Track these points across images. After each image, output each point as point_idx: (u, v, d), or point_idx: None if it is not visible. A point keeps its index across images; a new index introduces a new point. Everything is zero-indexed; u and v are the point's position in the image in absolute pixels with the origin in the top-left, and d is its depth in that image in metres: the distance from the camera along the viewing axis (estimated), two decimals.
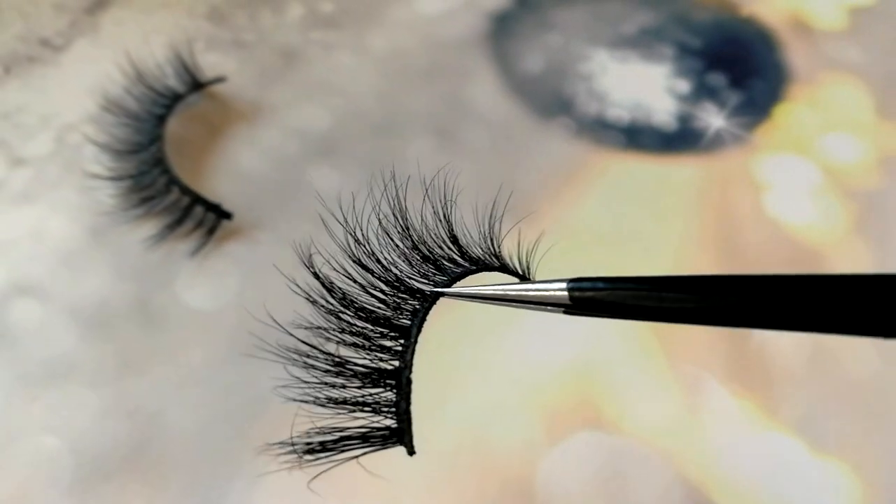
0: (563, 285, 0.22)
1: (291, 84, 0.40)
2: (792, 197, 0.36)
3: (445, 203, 0.24)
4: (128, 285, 0.32)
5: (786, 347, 0.31)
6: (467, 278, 0.24)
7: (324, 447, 0.23)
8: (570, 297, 0.21)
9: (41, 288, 0.32)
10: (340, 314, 0.23)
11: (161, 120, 0.36)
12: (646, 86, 0.40)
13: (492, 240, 0.24)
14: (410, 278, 0.24)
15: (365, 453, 0.22)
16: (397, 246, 0.24)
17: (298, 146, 0.37)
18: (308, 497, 0.27)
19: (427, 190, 0.23)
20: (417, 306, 0.24)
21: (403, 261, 0.24)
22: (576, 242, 0.35)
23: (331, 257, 0.23)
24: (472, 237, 0.24)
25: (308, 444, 0.23)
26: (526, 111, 0.39)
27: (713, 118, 0.39)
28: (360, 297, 0.23)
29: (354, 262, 0.24)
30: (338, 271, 0.23)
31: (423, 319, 0.24)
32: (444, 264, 0.24)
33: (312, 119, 0.38)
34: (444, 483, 0.28)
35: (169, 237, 0.34)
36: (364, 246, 0.24)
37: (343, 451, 0.23)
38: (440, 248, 0.24)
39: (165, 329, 0.31)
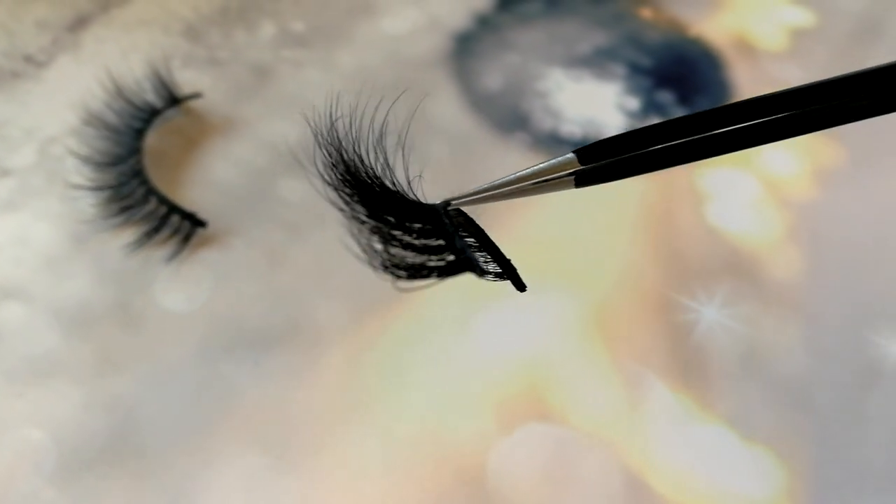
0: (571, 155, 0.21)
1: (264, 99, 0.41)
2: (732, 207, 0.38)
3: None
4: (108, 289, 0.34)
5: (722, 346, 0.33)
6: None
7: (405, 267, 0.22)
8: (579, 158, 0.20)
9: (25, 291, 0.34)
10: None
11: (140, 133, 0.37)
12: (598, 103, 0.42)
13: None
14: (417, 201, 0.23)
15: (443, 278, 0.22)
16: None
17: (269, 158, 0.39)
18: (273, 482, 0.29)
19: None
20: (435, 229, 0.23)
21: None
22: (530, 250, 0.36)
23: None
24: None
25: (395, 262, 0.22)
26: (485, 126, 0.41)
27: None
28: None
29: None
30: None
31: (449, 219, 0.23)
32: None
33: (283, 133, 0.39)
34: (401, 470, 0.30)
35: (147, 244, 0.35)
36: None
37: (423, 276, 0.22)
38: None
39: (143, 329, 0.33)
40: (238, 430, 0.30)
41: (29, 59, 0.42)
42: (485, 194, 0.22)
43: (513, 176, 0.21)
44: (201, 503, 0.29)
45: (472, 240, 0.23)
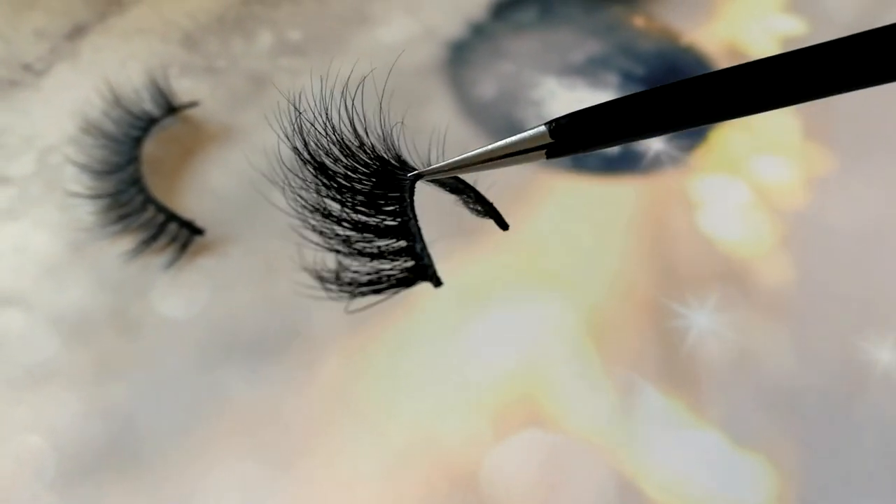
0: (543, 127, 0.21)
1: (261, 108, 0.41)
2: (724, 215, 0.39)
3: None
4: (106, 296, 0.34)
5: (713, 352, 0.34)
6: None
7: (359, 284, 0.22)
8: (550, 132, 0.21)
9: (25, 298, 0.34)
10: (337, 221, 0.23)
11: (138, 142, 0.38)
12: None
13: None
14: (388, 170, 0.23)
15: (396, 292, 0.22)
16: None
17: (266, 166, 0.39)
18: (269, 487, 0.30)
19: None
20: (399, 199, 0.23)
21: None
22: (523, 255, 0.37)
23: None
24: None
25: (348, 279, 0.22)
26: (479, 134, 0.41)
27: (653, 141, 0.41)
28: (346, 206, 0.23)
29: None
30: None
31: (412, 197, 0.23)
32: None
33: (280, 141, 0.40)
34: (396, 476, 0.30)
35: (145, 252, 0.35)
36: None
37: (377, 292, 0.22)
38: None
39: (141, 336, 0.33)
40: (235, 436, 0.31)
41: (27, 67, 0.43)
42: (457, 167, 0.22)
43: (485, 149, 0.22)
44: None
45: (449, 189, 0.23)
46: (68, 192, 0.37)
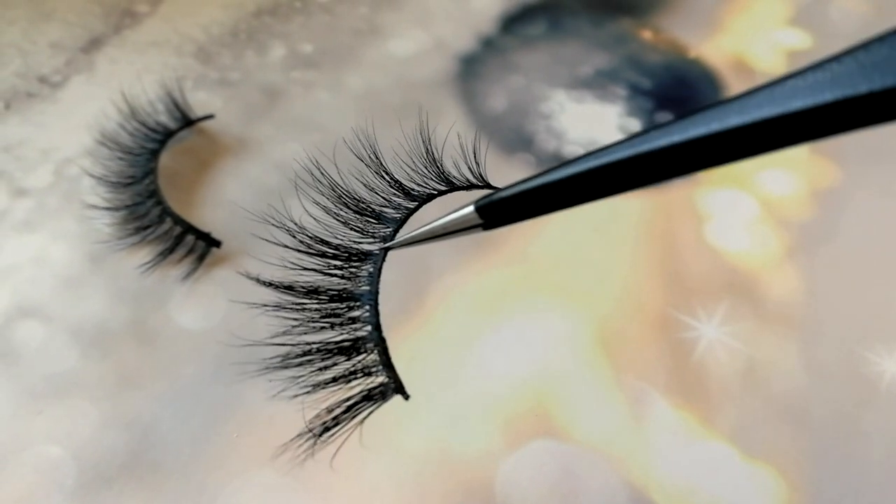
0: (471, 207, 0.24)
1: (274, 120, 0.42)
2: (731, 227, 0.39)
3: (376, 157, 0.26)
4: (124, 307, 0.35)
5: (721, 363, 0.34)
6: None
7: (336, 421, 0.24)
8: (477, 210, 0.24)
9: (43, 310, 0.35)
10: (303, 305, 0.25)
11: (154, 154, 0.38)
12: (600, 124, 0.43)
13: (436, 163, 0.26)
14: (357, 243, 0.25)
15: (370, 412, 0.24)
16: (337, 216, 0.26)
17: (280, 178, 0.39)
18: (287, 498, 0.30)
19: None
20: (371, 268, 0.25)
21: (346, 227, 0.26)
22: (535, 268, 0.37)
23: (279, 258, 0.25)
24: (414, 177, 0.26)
25: (323, 424, 0.24)
26: (490, 147, 0.41)
27: None
28: (315, 281, 0.25)
29: (298, 251, 0.25)
30: (287, 266, 0.25)
31: (378, 278, 0.25)
32: (386, 213, 0.26)
33: (294, 153, 0.40)
34: (412, 486, 0.31)
35: (162, 263, 0.36)
36: (301, 233, 0.25)
37: (352, 418, 0.24)
38: (383, 198, 0.26)
39: (159, 347, 0.34)
40: (253, 448, 0.31)
41: (44, 79, 0.43)
42: (416, 240, 0.25)
43: (431, 226, 0.25)
44: None
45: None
46: (86, 205, 0.37)
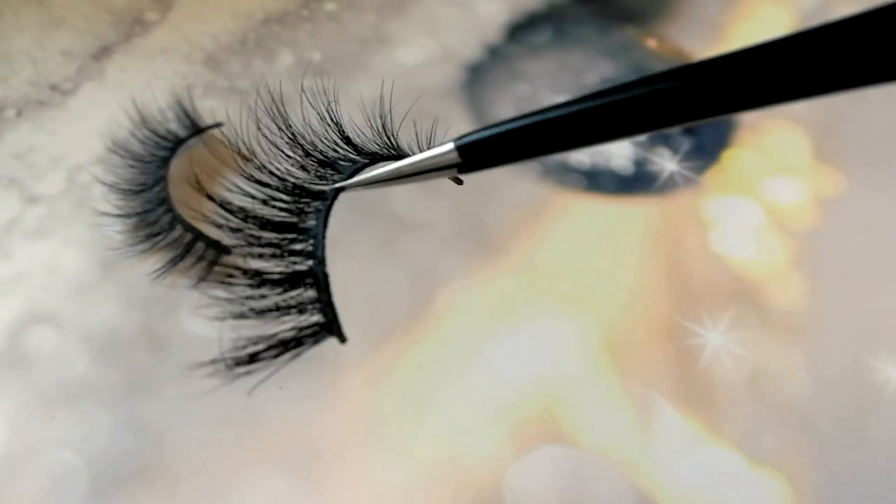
0: (451, 144, 0.23)
1: None
2: (737, 235, 0.39)
3: (331, 105, 0.25)
4: (135, 314, 0.35)
5: (727, 370, 0.34)
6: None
7: (254, 357, 0.23)
8: (458, 149, 0.23)
9: (55, 316, 0.35)
10: (246, 230, 0.24)
11: (165, 162, 0.38)
12: None
13: (386, 132, 0.25)
14: (310, 183, 0.25)
15: (298, 354, 0.23)
16: (289, 156, 0.25)
17: None
18: (298, 503, 0.30)
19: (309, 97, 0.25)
20: (320, 206, 0.25)
21: (299, 169, 0.25)
22: (541, 275, 0.38)
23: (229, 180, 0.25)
24: (365, 135, 0.26)
25: (237, 357, 0.23)
26: None
27: (667, 162, 0.42)
28: (261, 211, 0.25)
29: (249, 178, 0.25)
30: (236, 191, 0.25)
31: (328, 216, 0.25)
32: (340, 164, 0.25)
33: None
34: (421, 491, 0.31)
35: (172, 270, 0.36)
36: (254, 161, 0.25)
37: (276, 357, 0.23)
38: (334, 150, 0.25)
39: (170, 353, 0.34)
40: (264, 452, 0.31)
41: (54, 87, 0.44)
42: (375, 181, 0.24)
43: (400, 164, 0.24)
44: None
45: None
46: (97, 212, 0.38)
